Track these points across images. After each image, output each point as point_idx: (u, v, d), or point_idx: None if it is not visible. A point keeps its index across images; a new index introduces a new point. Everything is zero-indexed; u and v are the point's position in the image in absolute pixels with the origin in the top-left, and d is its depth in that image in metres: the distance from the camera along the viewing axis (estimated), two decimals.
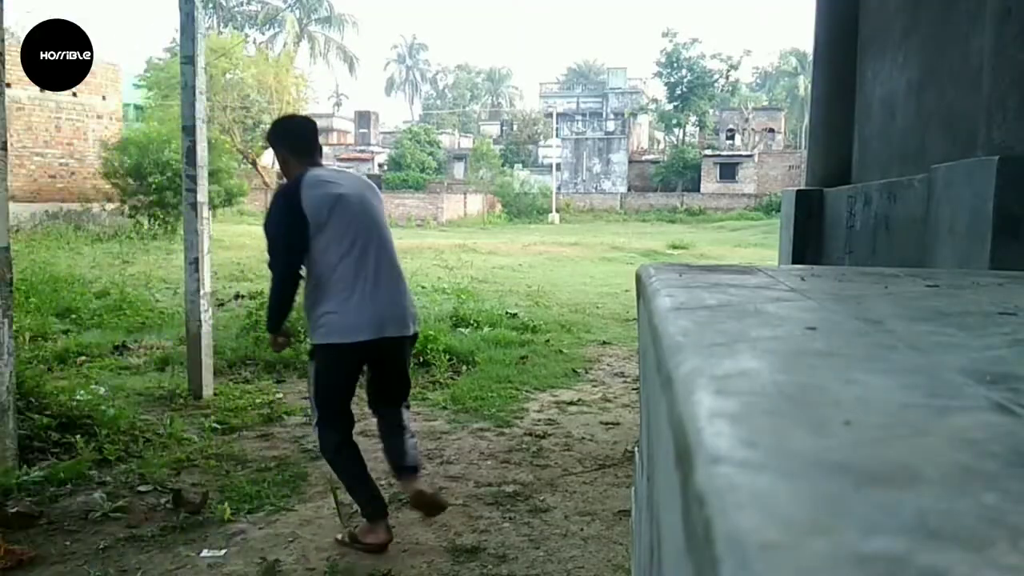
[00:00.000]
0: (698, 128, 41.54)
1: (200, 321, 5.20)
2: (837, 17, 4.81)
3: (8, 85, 4.04)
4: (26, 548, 2.94)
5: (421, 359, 6.12)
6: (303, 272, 3.00)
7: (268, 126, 3.63)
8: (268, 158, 36.20)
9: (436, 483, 3.73)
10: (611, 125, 45.44)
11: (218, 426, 4.49)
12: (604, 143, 41.12)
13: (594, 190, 39.18)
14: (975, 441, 0.40)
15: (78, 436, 3.99)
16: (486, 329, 7.38)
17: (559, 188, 36.27)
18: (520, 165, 40.04)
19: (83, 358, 6.07)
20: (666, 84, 40.95)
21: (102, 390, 4.86)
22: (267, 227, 3.04)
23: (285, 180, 3.26)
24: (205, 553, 2.98)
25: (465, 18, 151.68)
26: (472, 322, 7.58)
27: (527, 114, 47.84)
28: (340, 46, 51.66)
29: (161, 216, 16.90)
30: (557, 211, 33.01)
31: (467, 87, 67.50)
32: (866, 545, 0.27)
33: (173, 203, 15.93)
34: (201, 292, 5.23)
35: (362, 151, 43.77)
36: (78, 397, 4.40)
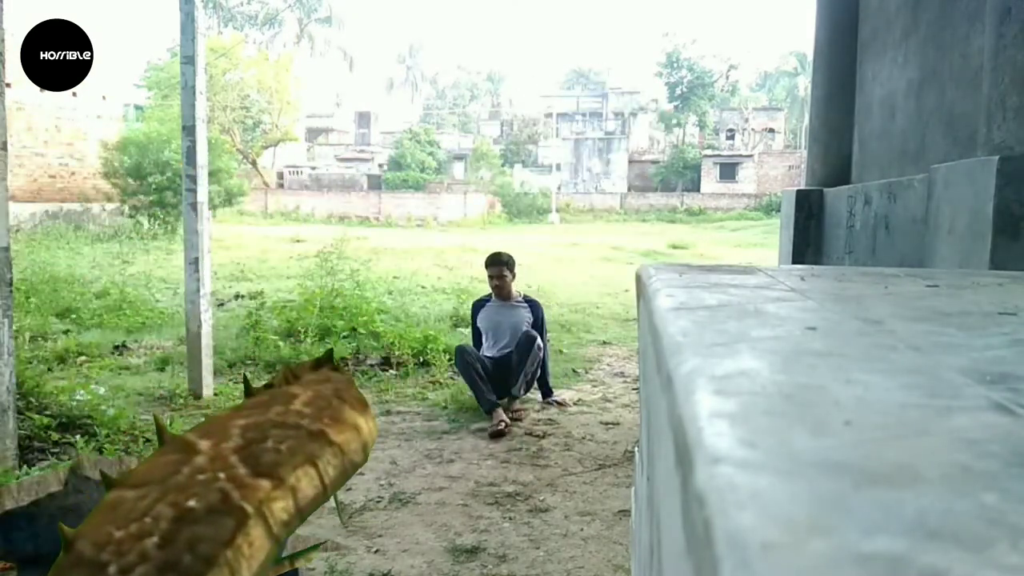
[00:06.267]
0: (698, 128, 41.55)
1: (200, 321, 5.21)
2: (837, 17, 4.81)
3: (8, 85, 4.04)
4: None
5: (421, 359, 6.13)
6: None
7: (508, 257, 5.31)
8: (268, 158, 36.27)
9: (436, 483, 3.74)
10: (611, 125, 45.43)
11: None
12: (604, 143, 41.11)
13: (594, 190, 39.17)
14: (975, 441, 0.40)
15: (78, 436, 3.99)
16: None
17: (559, 188, 36.27)
18: (520, 165, 40.04)
19: (83, 358, 6.08)
20: (666, 84, 40.96)
21: (102, 390, 4.86)
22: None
23: (501, 291, 5.24)
24: None
25: (465, 18, 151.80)
26: None
27: (527, 114, 47.86)
28: (340, 46, 51.68)
29: (161, 216, 16.91)
30: (557, 211, 33.01)
31: (467, 87, 67.52)
32: (866, 545, 0.27)
33: (173, 203, 15.95)
34: (201, 292, 5.24)
35: (362, 151, 43.78)
36: (78, 397, 4.40)
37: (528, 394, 5.26)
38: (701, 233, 25.50)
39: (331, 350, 0.76)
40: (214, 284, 6.82)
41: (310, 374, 0.63)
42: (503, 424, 4.55)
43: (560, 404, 5.13)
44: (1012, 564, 0.26)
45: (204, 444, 0.49)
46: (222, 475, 0.47)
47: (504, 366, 4.95)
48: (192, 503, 0.45)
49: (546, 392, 5.22)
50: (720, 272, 1.25)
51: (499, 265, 5.20)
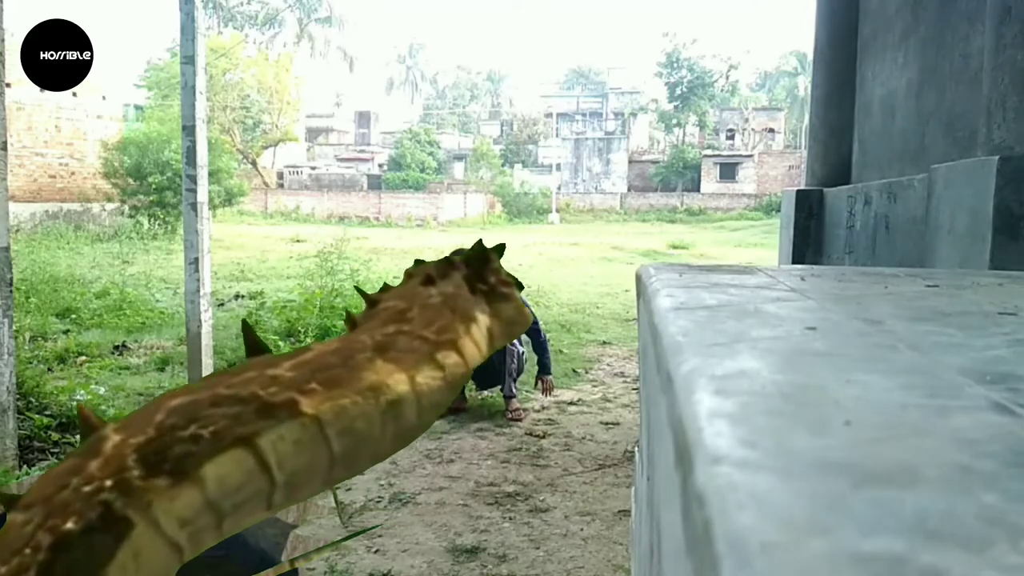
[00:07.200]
0: (698, 128, 41.53)
1: (200, 321, 5.21)
2: (837, 17, 4.81)
3: (8, 85, 4.04)
4: None
5: None
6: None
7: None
8: (268, 158, 36.25)
9: (436, 483, 3.74)
10: (611, 125, 45.43)
11: None
12: (604, 143, 41.09)
13: (594, 190, 39.16)
14: (975, 441, 0.40)
15: (78, 436, 3.99)
16: None
17: (559, 188, 36.26)
18: (520, 165, 40.03)
19: (83, 358, 6.08)
20: (666, 84, 40.94)
21: (102, 390, 4.86)
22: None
23: None
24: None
25: (465, 18, 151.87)
26: None
27: (527, 114, 47.86)
28: (340, 46, 51.68)
29: (161, 216, 16.91)
30: (557, 211, 33.00)
31: (467, 87, 67.51)
32: (866, 545, 0.27)
33: (173, 203, 15.95)
34: (201, 292, 5.24)
35: (362, 151, 43.77)
36: (78, 397, 4.40)
37: (526, 393, 5.28)
38: (701, 233, 25.49)
39: (480, 243, 0.59)
40: (214, 284, 6.82)
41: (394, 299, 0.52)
42: (463, 403, 4.96)
43: (547, 390, 5.21)
44: (1012, 564, 0.26)
45: (110, 442, 0.43)
46: (108, 483, 0.42)
47: (487, 367, 4.99)
48: (70, 524, 0.40)
49: (543, 369, 5.23)
50: (720, 272, 1.25)
51: None
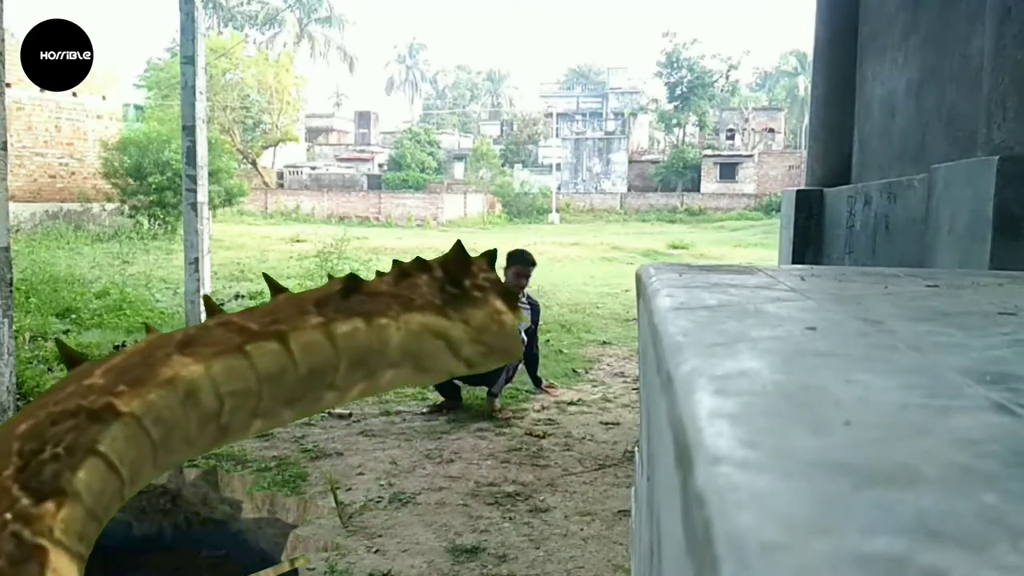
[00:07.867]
0: (698, 128, 41.53)
1: (200, 321, 5.21)
2: (837, 17, 4.81)
3: (8, 85, 4.04)
4: None
5: None
6: None
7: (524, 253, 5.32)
8: (268, 158, 36.25)
9: (436, 483, 3.74)
10: (611, 125, 45.42)
11: None
12: (604, 143, 41.09)
13: (594, 190, 39.16)
14: (975, 441, 0.40)
15: None
16: None
17: (559, 188, 36.25)
18: (520, 165, 40.02)
19: None
20: (666, 84, 40.95)
21: None
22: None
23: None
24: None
25: (465, 18, 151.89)
26: None
27: (527, 114, 47.85)
28: (340, 46, 51.68)
29: (161, 216, 16.90)
30: (557, 211, 32.99)
31: (467, 87, 67.49)
32: (866, 545, 0.27)
33: (173, 203, 15.94)
34: (201, 292, 5.24)
35: (362, 151, 43.77)
36: None
37: (526, 392, 5.29)
38: (701, 233, 25.48)
39: (459, 245, 0.59)
40: (214, 284, 6.82)
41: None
42: (448, 407, 5.00)
43: (550, 387, 5.52)
44: (1012, 564, 0.26)
45: None
46: (8, 516, 0.43)
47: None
48: None
49: (536, 382, 5.51)
50: (720, 272, 1.25)
51: (528, 264, 5.28)
